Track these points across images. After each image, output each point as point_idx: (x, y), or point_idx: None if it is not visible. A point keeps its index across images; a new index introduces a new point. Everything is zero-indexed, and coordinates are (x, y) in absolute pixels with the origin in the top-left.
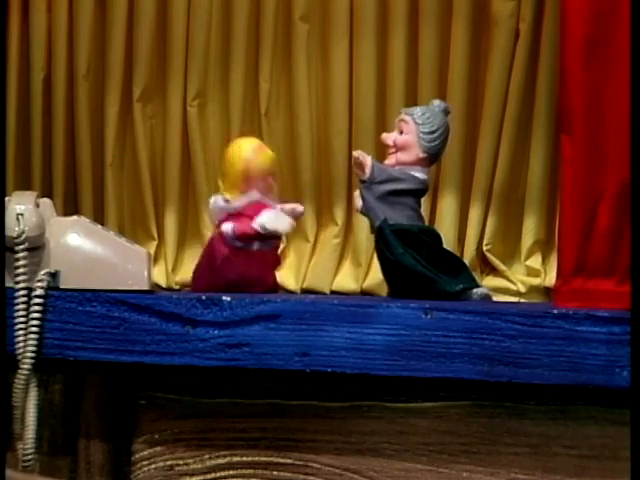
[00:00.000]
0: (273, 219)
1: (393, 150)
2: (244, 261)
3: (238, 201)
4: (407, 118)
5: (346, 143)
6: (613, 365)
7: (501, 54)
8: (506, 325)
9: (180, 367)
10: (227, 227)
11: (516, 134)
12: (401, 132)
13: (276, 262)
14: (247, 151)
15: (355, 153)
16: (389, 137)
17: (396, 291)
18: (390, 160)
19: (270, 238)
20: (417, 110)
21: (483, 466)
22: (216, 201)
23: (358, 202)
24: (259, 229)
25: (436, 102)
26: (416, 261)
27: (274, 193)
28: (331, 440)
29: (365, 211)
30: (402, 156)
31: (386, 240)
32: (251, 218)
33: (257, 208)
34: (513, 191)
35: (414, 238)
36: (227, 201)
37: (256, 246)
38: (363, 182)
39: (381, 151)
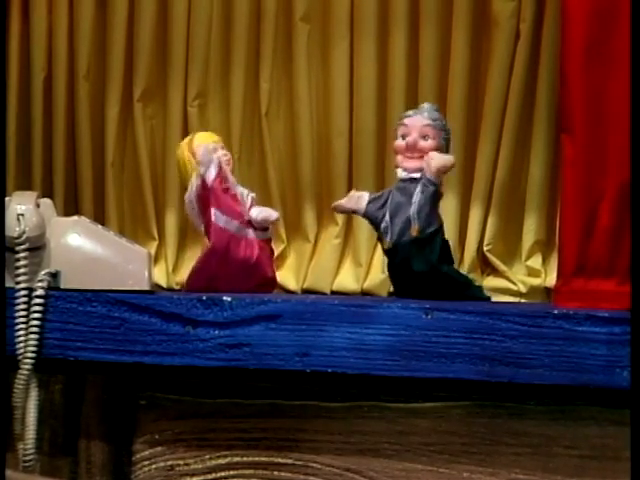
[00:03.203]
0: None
1: (417, 155)
2: (245, 246)
3: (193, 180)
4: (433, 124)
5: (346, 144)
6: (614, 365)
7: (501, 54)
8: (507, 325)
9: (180, 367)
10: (214, 213)
11: (516, 134)
12: (424, 137)
13: (272, 253)
14: (185, 140)
15: (432, 154)
16: (417, 141)
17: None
18: (416, 164)
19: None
20: (436, 115)
21: (484, 466)
22: (188, 195)
23: (361, 203)
24: (208, 174)
25: (429, 105)
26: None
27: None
28: (331, 440)
29: (415, 214)
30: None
31: (433, 246)
32: (224, 191)
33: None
34: (513, 191)
35: (445, 244)
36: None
37: (251, 234)
38: (426, 184)
39: (380, 150)
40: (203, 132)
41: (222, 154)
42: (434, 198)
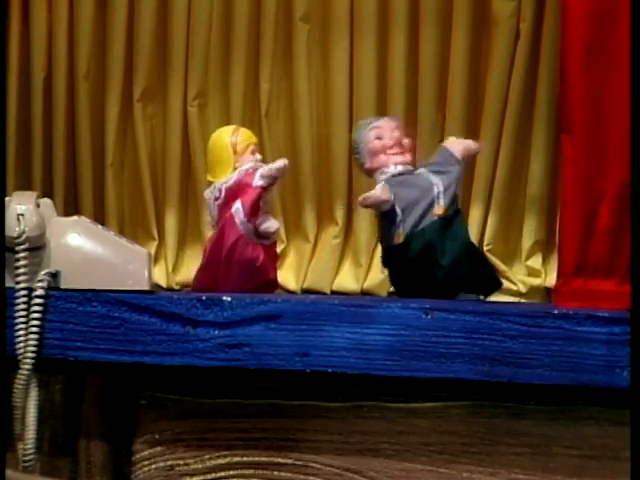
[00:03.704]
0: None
1: (402, 150)
2: (251, 248)
3: (236, 173)
4: (400, 126)
5: (346, 143)
6: (613, 365)
7: (501, 54)
8: (507, 325)
9: (180, 367)
10: (237, 206)
11: (516, 134)
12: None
13: (276, 256)
14: (227, 133)
15: (451, 139)
16: (406, 139)
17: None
18: (406, 158)
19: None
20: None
21: (483, 466)
22: (213, 190)
23: (392, 195)
24: (261, 182)
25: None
26: None
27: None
28: (331, 440)
29: (442, 193)
30: (411, 157)
31: (459, 222)
32: (259, 197)
33: (253, 175)
34: (513, 191)
35: None
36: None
37: (256, 240)
38: (452, 163)
39: None
40: (243, 134)
41: (258, 159)
42: (460, 177)
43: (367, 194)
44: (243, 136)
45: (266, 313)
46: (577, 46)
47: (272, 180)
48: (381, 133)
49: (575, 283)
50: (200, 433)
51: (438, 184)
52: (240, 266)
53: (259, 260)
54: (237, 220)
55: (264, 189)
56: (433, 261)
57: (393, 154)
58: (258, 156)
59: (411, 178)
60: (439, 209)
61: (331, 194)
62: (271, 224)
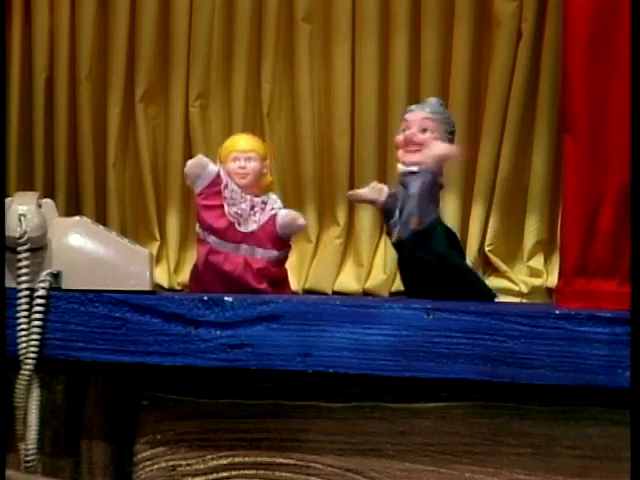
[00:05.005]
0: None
1: (415, 148)
2: (224, 260)
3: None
4: (433, 117)
5: (348, 144)
6: (615, 366)
7: (503, 54)
8: (508, 325)
9: (182, 368)
10: (197, 223)
11: (518, 134)
12: (423, 130)
13: (271, 273)
14: (229, 139)
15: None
16: (414, 135)
17: (422, 290)
18: (415, 157)
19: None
20: (438, 108)
21: (485, 467)
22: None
23: (383, 195)
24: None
25: (434, 99)
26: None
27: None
28: (333, 441)
29: (415, 207)
30: (422, 154)
31: (436, 235)
32: (208, 208)
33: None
34: (515, 191)
35: (454, 237)
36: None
37: (242, 251)
38: (426, 172)
39: (382, 150)
40: (244, 137)
41: (236, 166)
42: (431, 186)
43: (356, 191)
44: (226, 144)
45: (268, 313)
46: (579, 46)
47: (203, 187)
48: (406, 126)
49: (577, 283)
50: (202, 433)
51: (415, 195)
52: (219, 277)
53: (234, 273)
54: (201, 235)
55: (201, 194)
56: (418, 269)
57: (405, 152)
58: (239, 163)
59: (410, 180)
60: (414, 222)
61: (333, 194)
62: (291, 221)
